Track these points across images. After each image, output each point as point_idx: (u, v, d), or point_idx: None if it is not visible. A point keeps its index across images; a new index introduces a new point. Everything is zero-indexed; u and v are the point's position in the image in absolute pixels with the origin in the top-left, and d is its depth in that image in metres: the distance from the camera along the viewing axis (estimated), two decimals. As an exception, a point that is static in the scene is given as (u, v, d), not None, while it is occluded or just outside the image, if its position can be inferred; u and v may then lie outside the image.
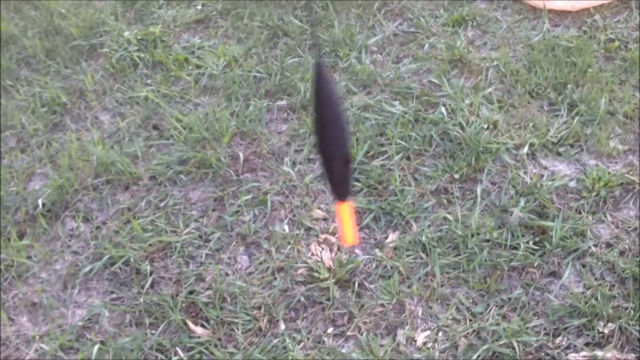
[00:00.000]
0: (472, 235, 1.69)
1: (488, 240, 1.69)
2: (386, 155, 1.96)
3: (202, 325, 1.57)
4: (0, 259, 1.77)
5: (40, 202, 1.92)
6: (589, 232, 1.69)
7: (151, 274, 1.71)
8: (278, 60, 2.41)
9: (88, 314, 1.62)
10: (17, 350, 1.56)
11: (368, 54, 2.41)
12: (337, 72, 2.34)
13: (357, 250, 1.74)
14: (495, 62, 2.30)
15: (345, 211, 0.80)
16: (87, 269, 1.73)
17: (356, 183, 1.90)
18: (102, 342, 1.54)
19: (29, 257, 1.78)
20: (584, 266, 1.62)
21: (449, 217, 1.76)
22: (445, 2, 2.64)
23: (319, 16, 2.60)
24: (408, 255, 1.68)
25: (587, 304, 1.51)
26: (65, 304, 1.66)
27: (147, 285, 1.67)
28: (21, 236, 1.84)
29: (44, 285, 1.71)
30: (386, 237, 1.76)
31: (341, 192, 0.80)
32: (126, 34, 2.63)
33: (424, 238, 1.70)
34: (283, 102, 2.25)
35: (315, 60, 0.74)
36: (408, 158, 1.96)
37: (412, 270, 1.65)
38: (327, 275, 1.65)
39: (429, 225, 1.75)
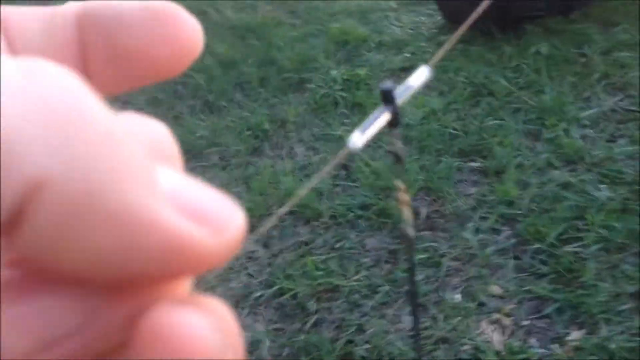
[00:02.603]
0: (673, 356, 1.47)
1: (692, 366, 1.45)
2: (581, 243, 1.79)
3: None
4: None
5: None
6: None
7: (315, 313, 1.72)
8: (478, 119, 2.34)
9: (251, 338, 1.67)
10: (182, 357, 1.65)
11: (578, 127, 2.24)
12: (540, 142, 2.20)
13: (531, 340, 1.60)
14: None
15: None
16: (258, 294, 1.79)
17: (542, 266, 1.75)
18: (258, 372, 1.57)
19: (209, 270, 1.88)
20: None
21: (647, 327, 1.55)
22: (677, 83, 2.38)
23: (530, 79, 2.49)
24: (590, 360, 1.51)
25: None
26: (232, 324, 1.73)
27: (310, 324, 1.69)
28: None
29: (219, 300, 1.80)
30: (568, 334, 1.60)
31: None
32: (333, 72, 2.73)
33: (613, 345, 1.51)
34: (476, 164, 2.17)
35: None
36: (607, 250, 1.77)
37: (593, 377, 1.48)
38: (494, 359, 1.54)
39: (621, 332, 1.55)
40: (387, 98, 0.24)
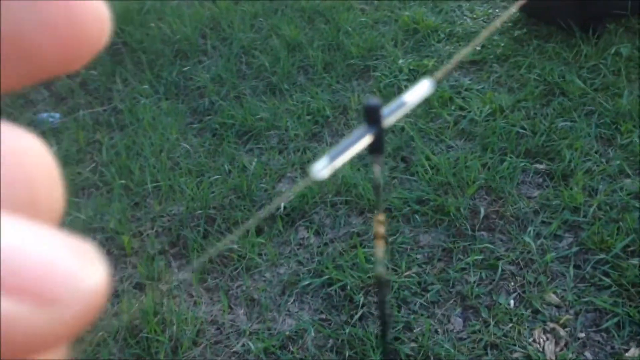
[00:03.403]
0: None
1: None
2: (650, 257, 1.69)
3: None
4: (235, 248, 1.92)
5: (282, 205, 2.03)
6: None
7: (363, 306, 1.69)
8: (548, 119, 2.24)
9: (296, 327, 1.66)
10: (227, 338, 1.66)
11: (656, 135, 2.12)
12: (613, 148, 2.09)
13: (587, 353, 1.53)
14: None
15: None
16: (306, 282, 1.78)
17: (605, 278, 1.67)
18: (300, 360, 1.56)
19: (259, 255, 1.89)
20: None
21: None
22: None
23: (607, 81, 2.36)
24: (650, 383, 1.42)
25: None
26: (278, 309, 1.72)
27: (356, 317, 1.66)
28: (259, 232, 1.97)
29: (266, 285, 1.80)
30: (627, 350, 1.51)
31: None
32: (400, 62, 2.67)
33: (676, 369, 1.43)
34: (542, 166, 2.08)
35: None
36: (678, 267, 1.67)
37: (651, 401, 1.39)
38: (545, 371, 1.47)
39: (686, 356, 1.46)
40: (373, 117, 0.20)
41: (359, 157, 2.22)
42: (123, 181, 2.18)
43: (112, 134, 2.51)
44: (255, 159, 2.26)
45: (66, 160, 2.32)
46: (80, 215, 2.03)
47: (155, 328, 1.64)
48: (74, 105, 2.74)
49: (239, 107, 2.54)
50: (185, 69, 2.88)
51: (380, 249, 0.28)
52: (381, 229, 0.28)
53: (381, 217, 0.27)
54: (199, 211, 2.03)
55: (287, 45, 2.94)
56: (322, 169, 0.19)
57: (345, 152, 0.19)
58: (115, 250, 1.93)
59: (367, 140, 0.20)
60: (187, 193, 2.10)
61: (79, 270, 0.11)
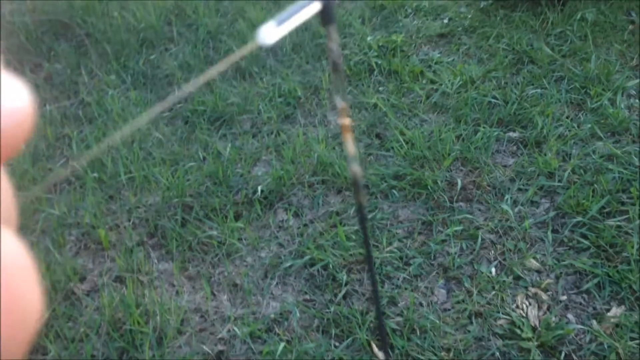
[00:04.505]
0: None
1: None
2: (625, 216, 1.72)
3: (386, 352, 1.51)
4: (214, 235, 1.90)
5: (259, 188, 2.01)
6: None
7: (346, 284, 1.69)
8: (518, 88, 2.25)
9: (281, 309, 1.66)
10: (212, 325, 1.64)
11: (624, 97, 2.14)
12: (583, 112, 2.11)
13: (569, 315, 1.55)
14: None
15: None
16: (288, 264, 1.77)
17: (583, 240, 1.69)
18: (287, 342, 1.56)
19: (239, 239, 1.87)
20: None
21: (693, 306, 1.48)
22: None
23: (575, 47, 2.38)
24: (632, 339, 1.45)
25: None
26: (262, 293, 1.72)
27: (340, 296, 1.66)
28: (237, 217, 1.95)
29: (248, 269, 1.78)
30: (608, 310, 1.54)
31: None
32: (369, 38, 2.66)
33: (656, 324, 1.45)
34: (515, 134, 2.09)
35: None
36: (653, 225, 1.69)
37: (634, 356, 1.42)
38: (530, 334, 1.49)
39: (665, 311, 1.49)
40: None
41: (333, 136, 2.21)
42: (96, 174, 2.14)
43: (81, 128, 2.45)
44: (229, 144, 2.23)
45: (36, 157, 2.27)
46: (54, 212, 1.99)
47: (138, 320, 1.62)
48: (39, 100, 2.67)
49: (209, 93, 2.51)
50: (152, 57, 2.82)
51: (349, 143, 0.27)
52: (346, 120, 0.27)
53: (344, 105, 0.26)
54: (176, 200, 2.00)
55: (253, 28, 2.90)
56: (269, 33, 0.18)
57: (291, 18, 0.18)
58: (92, 245, 1.90)
59: (315, 8, 0.18)
60: (162, 182, 2.07)
61: (6, 93, 0.14)
